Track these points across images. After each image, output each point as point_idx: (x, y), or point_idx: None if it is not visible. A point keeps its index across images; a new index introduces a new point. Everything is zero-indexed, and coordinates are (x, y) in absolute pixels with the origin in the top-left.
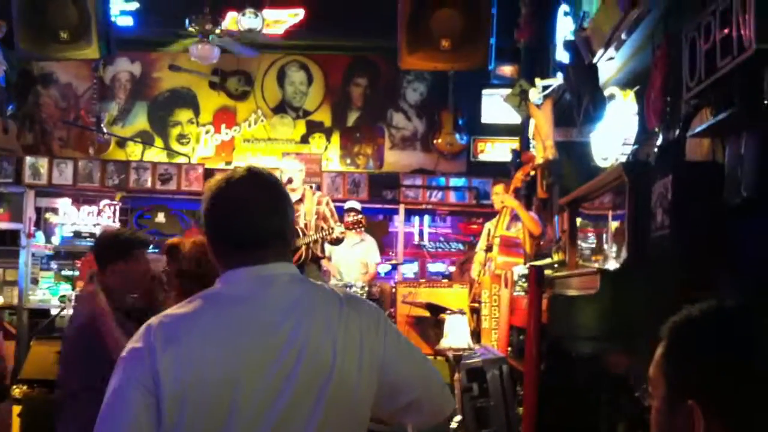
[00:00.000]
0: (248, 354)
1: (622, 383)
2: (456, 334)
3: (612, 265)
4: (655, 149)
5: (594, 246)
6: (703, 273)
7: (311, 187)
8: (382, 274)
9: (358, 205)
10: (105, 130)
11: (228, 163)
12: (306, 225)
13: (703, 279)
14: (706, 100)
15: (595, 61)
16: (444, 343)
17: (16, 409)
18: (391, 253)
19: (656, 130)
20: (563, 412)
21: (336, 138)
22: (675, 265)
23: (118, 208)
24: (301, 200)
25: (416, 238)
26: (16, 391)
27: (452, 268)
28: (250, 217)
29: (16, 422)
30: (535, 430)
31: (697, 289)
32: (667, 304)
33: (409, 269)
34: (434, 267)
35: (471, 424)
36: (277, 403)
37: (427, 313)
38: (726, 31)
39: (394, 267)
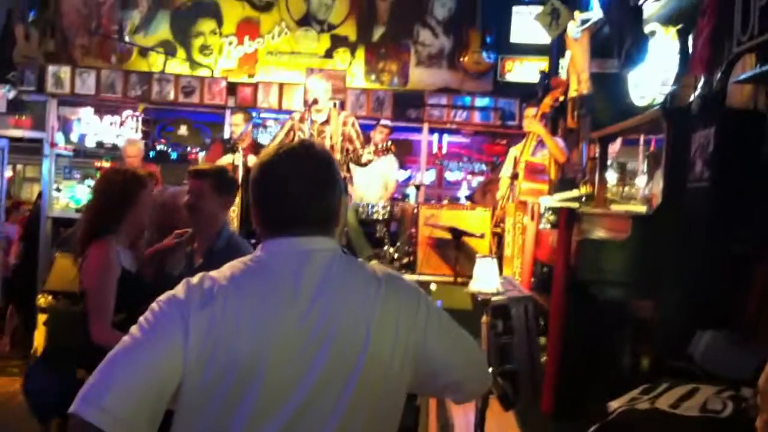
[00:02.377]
0: (279, 328)
1: (647, 326)
2: (485, 278)
3: (646, 189)
4: (696, 94)
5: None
6: (741, 228)
7: (335, 105)
8: (401, 180)
9: (389, 123)
10: (127, 39)
11: (251, 76)
12: (332, 147)
13: (740, 234)
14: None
15: (640, 2)
16: (473, 287)
17: (41, 317)
18: (413, 167)
19: (700, 77)
20: (586, 353)
21: (361, 53)
22: (712, 217)
23: (140, 119)
24: (327, 121)
25: (435, 149)
26: (41, 300)
27: (470, 178)
28: (295, 193)
29: (41, 330)
30: (558, 369)
31: (734, 243)
32: (701, 256)
33: (427, 178)
34: (451, 176)
35: (494, 360)
36: (304, 381)
37: (448, 235)
38: None
39: (417, 188)
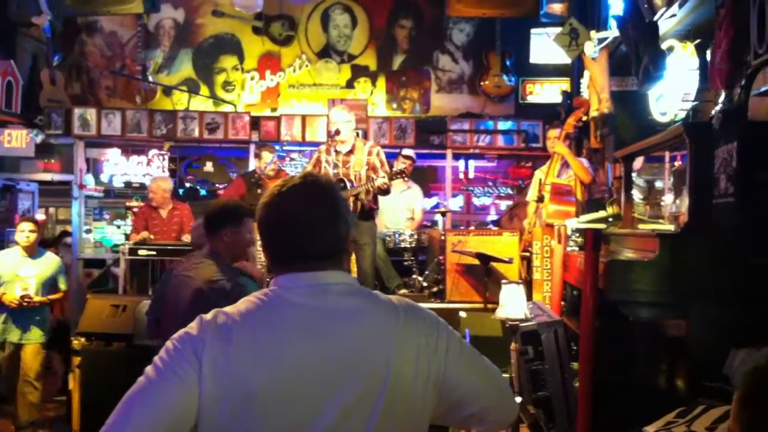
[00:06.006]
0: (296, 362)
1: (680, 346)
2: (512, 305)
3: (673, 206)
4: (718, 109)
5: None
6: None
7: (358, 134)
8: (428, 208)
9: (412, 153)
10: (151, 78)
11: (273, 109)
12: (356, 176)
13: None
14: None
15: (656, 18)
16: (500, 313)
17: (75, 360)
18: (439, 194)
19: (721, 91)
20: (619, 376)
21: (381, 82)
22: (740, 233)
23: (166, 157)
24: (351, 151)
25: (460, 174)
26: (75, 343)
27: (498, 202)
28: (303, 231)
29: (76, 373)
30: (591, 394)
31: (763, 257)
32: (731, 273)
33: (455, 203)
34: (479, 201)
35: (526, 387)
36: (325, 415)
37: (476, 261)
38: None
39: (443, 215)
